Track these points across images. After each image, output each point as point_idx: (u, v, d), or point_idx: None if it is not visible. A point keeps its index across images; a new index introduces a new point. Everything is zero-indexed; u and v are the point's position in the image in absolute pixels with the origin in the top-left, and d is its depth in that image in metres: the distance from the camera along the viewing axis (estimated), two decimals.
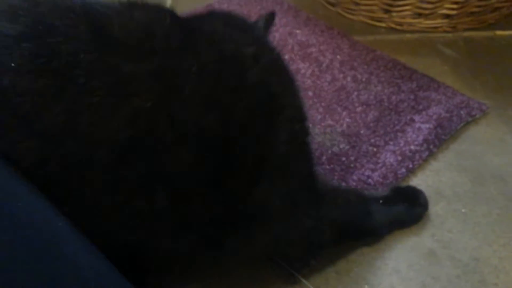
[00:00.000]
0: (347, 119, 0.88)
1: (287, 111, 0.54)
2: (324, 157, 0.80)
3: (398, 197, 0.70)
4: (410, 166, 0.79)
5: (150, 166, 0.45)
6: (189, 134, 0.46)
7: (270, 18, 0.66)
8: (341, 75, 0.98)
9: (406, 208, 0.70)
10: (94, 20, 0.45)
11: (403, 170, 0.78)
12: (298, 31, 1.11)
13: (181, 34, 0.49)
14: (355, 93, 0.94)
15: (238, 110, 0.49)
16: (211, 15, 0.61)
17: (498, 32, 1.12)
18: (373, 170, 0.78)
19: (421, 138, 0.83)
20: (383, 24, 1.14)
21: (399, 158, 0.80)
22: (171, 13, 0.51)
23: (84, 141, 0.42)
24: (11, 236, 0.34)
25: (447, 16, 1.09)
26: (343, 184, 0.76)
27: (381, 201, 0.68)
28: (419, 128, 0.85)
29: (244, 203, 0.51)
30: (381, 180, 0.76)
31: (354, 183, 0.76)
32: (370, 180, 0.76)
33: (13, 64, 0.40)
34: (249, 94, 0.51)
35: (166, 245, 0.51)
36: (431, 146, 0.82)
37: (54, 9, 0.44)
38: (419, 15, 1.10)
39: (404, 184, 0.76)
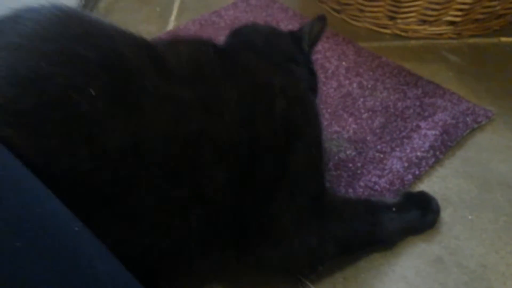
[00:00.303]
0: (354, 125, 0.88)
1: (306, 138, 0.59)
2: (331, 163, 0.81)
3: (410, 203, 0.70)
4: (417, 172, 0.79)
5: (192, 187, 0.49)
6: (225, 154, 0.51)
7: (318, 25, 0.73)
8: (347, 82, 0.99)
9: (419, 215, 0.70)
10: (152, 52, 0.50)
11: (410, 176, 0.78)
12: None
13: (222, 64, 0.55)
14: (361, 99, 0.94)
15: (265, 133, 0.55)
16: (244, 41, 0.66)
17: (503, 39, 1.12)
18: (380, 177, 0.78)
19: (427, 144, 0.84)
20: (388, 31, 1.14)
21: (406, 164, 0.80)
22: (212, 45, 0.58)
23: (146, 164, 0.46)
24: (29, 240, 0.34)
25: (451, 23, 1.09)
26: (350, 190, 0.76)
27: (394, 209, 0.68)
28: (425, 135, 0.85)
29: (259, 220, 0.55)
30: (388, 186, 0.77)
31: (361, 190, 0.76)
32: (377, 187, 0.77)
33: (92, 91, 0.44)
34: (276, 120, 0.56)
35: (190, 261, 0.53)
36: (438, 153, 0.82)
37: (124, 41, 0.49)
38: (424, 22, 1.10)
39: (412, 190, 0.77)
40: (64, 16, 0.48)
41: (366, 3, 1.13)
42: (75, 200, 0.40)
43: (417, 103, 0.93)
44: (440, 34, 1.11)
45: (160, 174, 0.47)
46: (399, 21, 1.12)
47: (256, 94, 0.55)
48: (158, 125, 0.47)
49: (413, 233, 0.70)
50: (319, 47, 1.08)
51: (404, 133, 0.86)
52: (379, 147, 0.84)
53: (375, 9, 1.13)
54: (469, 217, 0.73)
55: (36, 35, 0.45)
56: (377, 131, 0.87)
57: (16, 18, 0.48)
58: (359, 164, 0.81)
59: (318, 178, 0.62)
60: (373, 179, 0.78)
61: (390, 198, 0.74)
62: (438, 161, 0.82)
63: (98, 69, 0.45)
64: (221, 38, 1.12)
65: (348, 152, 0.83)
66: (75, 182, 0.43)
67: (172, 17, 1.25)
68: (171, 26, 1.21)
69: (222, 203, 0.51)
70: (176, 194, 0.48)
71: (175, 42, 0.57)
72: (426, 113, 0.90)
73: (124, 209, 0.46)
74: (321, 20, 0.74)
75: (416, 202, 0.71)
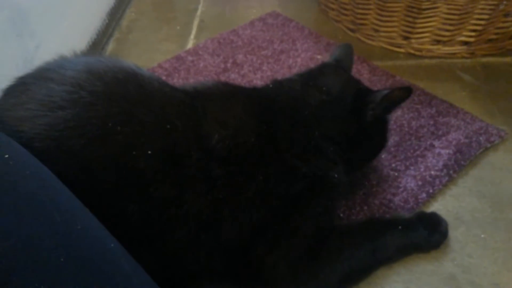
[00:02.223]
0: None
1: (316, 207, 0.66)
2: None
3: (419, 222, 0.72)
4: (431, 191, 0.81)
5: (216, 235, 0.59)
6: (241, 220, 0.60)
7: (398, 93, 0.71)
8: None
9: (426, 234, 0.72)
10: (198, 123, 0.60)
11: (424, 195, 0.80)
12: (319, 56, 1.15)
13: (260, 147, 0.63)
14: None
15: (278, 206, 0.63)
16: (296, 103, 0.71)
17: None
18: (394, 195, 0.80)
19: (441, 163, 0.85)
20: (402, 50, 1.17)
21: (420, 183, 0.82)
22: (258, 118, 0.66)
23: (184, 213, 0.55)
24: (72, 255, 0.37)
25: (465, 43, 1.12)
26: (365, 207, 0.78)
27: (400, 227, 0.70)
28: (439, 154, 0.87)
29: (259, 265, 0.62)
30: (402, 204, 0.79)
31: (376, 207, 0.78)
32: (391, 204, 0.79)
33: (149, 152, 0.54)
34: (289, 198, 0.64)
35: None
36: (451, 172, 0.84)
37: (173, 108, 0.59)
38: (438, 41, 1.13)
39: (424, 208, 0.79)
40: (124, 79, 0.58)
41: (380, 23, 1.15)
42: (119, 234, 0.45)
43: (431, 122, 0.95)
44: (454, 54, 1.14)
45: (193, 223, 0.56)
46: (413, 40, 1.14)
47: (280, 176, 0.62)
48: (195, 186, 0.56)
49: (418, 251, 0.72)
50: None
51: (418, 152, 0.88)
52: (393, 165, 0.86)
53: (390, 29, 1.15)
54: (482, 235, 0.75)
55: (104, 95, 0.55)
56: (392, 149, 0.89)
57: (86, 73, 0.57)
58: (374, 182, 0.83)
59: (322, 229, 0.66)
60: (387, 197, 0.80)
61: (401, 214, 0.76)
62: (451, 180, 0.84)
63: (153, 133, 0.55)
64: (239, 56, 1.16)
65: (363, 170, 0.85)
66: (121, 220, 0.51)
67: (192, 36, 1.29)
68: (190, 44, 1.25)
69: (233, 251, 0.61)
70: (203, 239, 0.58)
71: (226, 101, 0.65)
72: (440, 132, 0.92)
73: (159, 245, 0.55)
74: (404, 90, 0.69)
75: (426, 222, 0.73)
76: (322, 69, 0.78)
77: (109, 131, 0.53)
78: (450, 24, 1.08)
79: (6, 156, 0.41)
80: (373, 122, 0.72)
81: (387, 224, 0.71)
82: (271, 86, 0.74)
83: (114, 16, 1.35)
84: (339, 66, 0.79)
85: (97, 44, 1.22)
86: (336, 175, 0.67)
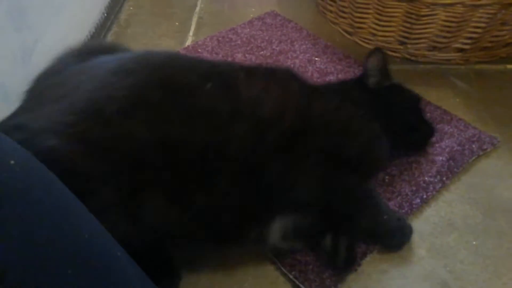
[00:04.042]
0: None
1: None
2: None
3: (393, 219, 0.77)
4: (424, 196, 0.83)
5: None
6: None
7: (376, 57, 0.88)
8: None
9: (397, 230, 0.76)
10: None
11: (418, 200, 0.82)
12: (317, 59, 1.16)
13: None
14: None
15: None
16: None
17: (509, 66, 1.16)
18: (389, 199, 0.82)
19: (434, 169, 0.87)
20: (398, 55, 1.18)
21: (414, 188, 0.84)
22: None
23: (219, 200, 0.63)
24: (79, 267, 0.38)
25: (460, 50, 1.13)
26: None
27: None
28: (433, 160, 0.89)
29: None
30: (397, 209, 0.80)
31: None
32: None
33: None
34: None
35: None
36: (444, 178, 0.86)
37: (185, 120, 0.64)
38: (434, 48, 1.14)
39: (418, 214, 0.81)
40: (160, 79, 0.64)
41: (378, 27, 1.16)
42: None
43: None
44: (448, 60, 1.15)
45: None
46: (409, 46, 1.15)
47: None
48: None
49: (384, 245, 0.76)
50: (331, 68, 1.12)
51: (412, 158, 0.90)
52: (388, 170, 0.87)
53: (387, 34, 1.16)
54: (474, 242, 0.77)
55: (139, 101, 0.61)
56: None
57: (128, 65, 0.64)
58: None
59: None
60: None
61: None
62: (444, 186, 0.85)
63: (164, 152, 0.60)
64: (238, 55, 1.16)
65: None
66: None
67: (191, 32, 1.29)
68: (189, 41, 1.25)
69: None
70: (244, 181, 0.64)
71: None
72: (434, 139, 0.94)
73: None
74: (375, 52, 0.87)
75: (397, 222, 0.77)
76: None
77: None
78: (448, 31, 1.10)
79: (12, 162, 0.40)
80: (383, 89, 0.87)
81: None
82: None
83: (113, 10, 1.34)
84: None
85: (96, 37, 1.22)
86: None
